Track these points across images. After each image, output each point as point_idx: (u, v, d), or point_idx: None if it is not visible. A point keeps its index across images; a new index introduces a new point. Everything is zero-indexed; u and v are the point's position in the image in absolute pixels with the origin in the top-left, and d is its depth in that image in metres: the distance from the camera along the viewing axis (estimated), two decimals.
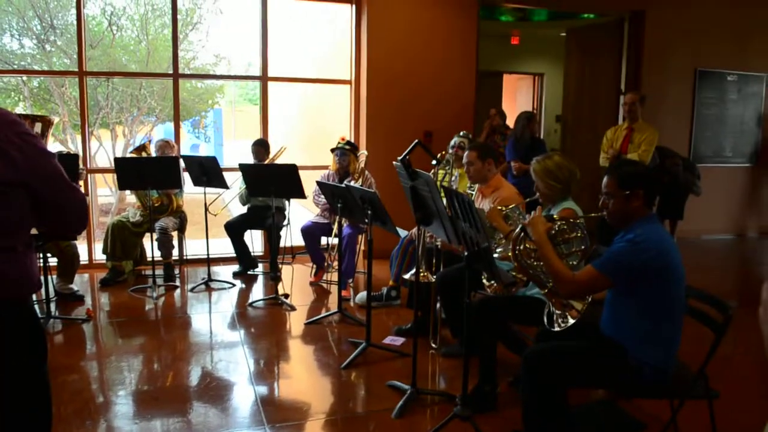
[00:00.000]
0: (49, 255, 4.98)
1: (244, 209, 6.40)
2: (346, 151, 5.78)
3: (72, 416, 3.29)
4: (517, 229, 2.77)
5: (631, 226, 2.56)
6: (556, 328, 2.67)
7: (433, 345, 4.22)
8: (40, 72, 11.38)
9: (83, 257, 5.84)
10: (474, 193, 4.25)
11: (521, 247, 2.77)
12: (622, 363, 2.55)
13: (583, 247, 2.75)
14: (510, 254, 2.83)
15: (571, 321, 2.64)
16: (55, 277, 5.22)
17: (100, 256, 6.24)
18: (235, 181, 6.05)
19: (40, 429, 1.80)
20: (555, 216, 2.80)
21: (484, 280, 3.47)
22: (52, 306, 4.92)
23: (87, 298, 5.44)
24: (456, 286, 3.74)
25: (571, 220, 2.76)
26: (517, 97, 11.62)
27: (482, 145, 4.24)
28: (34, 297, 4.72)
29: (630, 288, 2.52)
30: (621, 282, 2.50)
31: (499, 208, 3.50)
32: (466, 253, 2.94)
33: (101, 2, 11.08)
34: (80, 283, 5.72)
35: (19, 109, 10.99)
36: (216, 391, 3.65)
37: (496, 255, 3.35)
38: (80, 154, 6.61)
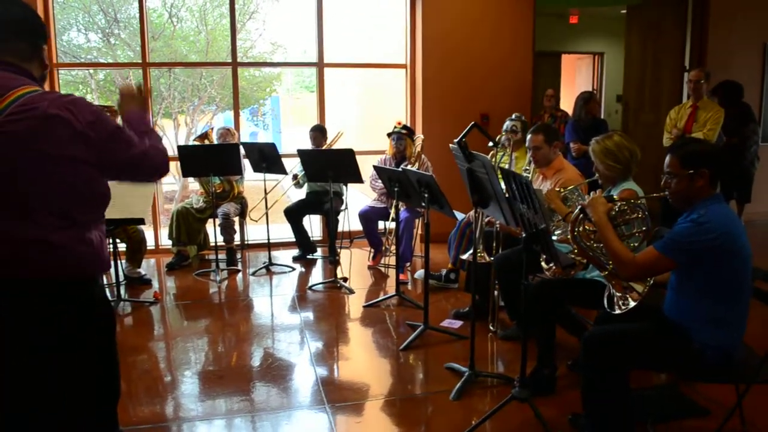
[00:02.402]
0: (118, 240, 5.19)
1: (302, 194, 6.50)
2: (402, 135, 5.79)
3: (142, 394, 3.44)
4: (576, 210, 2.73)
5: (694, 207, 2.48)
6: (617, 311, 2.63)
7: (492, 328, 4.22)
8: (105, 65, 11.77)
9: (150, 243, 6.06)
10: (531, 175, 4.20)
11: (580, 229, 2.73)
12: (685, 346, 2.50)
13: (644, 228, 2.68)
14: (569, 236, 2.80)
15: (632, 303, 2.60)
16: (124, 261, 5.44)
17: (165, 241, 6.46)
18: (294, 167, 6.14)
19: (107, 403, 1.90)
20: (615, 196, 2.75)
21: (543, 263, 3.44)
22: (122, 289, 5.13)
23: (154, 281, 5.66)
24: (514, 269, 3.72)
25: (632, 201, 2.71)
26: (576, 78, 11.36)
27: (548, 129, 4.15)
28: (105, 280, 4.93)
29: (694, 269, 2.46)
30: (684, 263, 2.44)
31: (558, 189, 3.45)
32: (523, 235, 2.93)
33: None
34: (147, 267, 5.94)
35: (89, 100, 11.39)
36: (277, 371, 3.75)
37: (554, 237, 3.31)
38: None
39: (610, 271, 2.66)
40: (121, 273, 5.14)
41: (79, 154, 1.63)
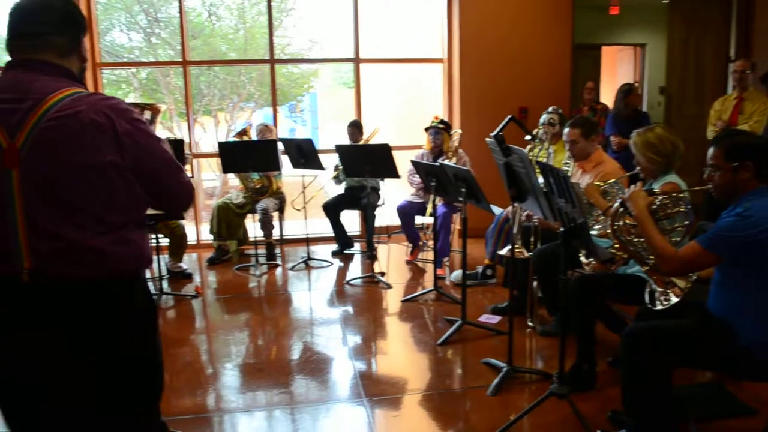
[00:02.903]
0: (160, 236, 5.31)
1: (340, 190, 6.54)
2: (439, 130, 5.78)
3: (184, 386, 3.51)
4: (616, 204, 2.69)
5: (739, 200, 2.42)
6: (658, 307, 2.59)
7: (530, 323, 4.19)
8: (147, 63, 12.02)
9: (191, 237, 6.18)
10: (570, 169, 4.15)
11: (620, 223, 2.69)
12: (730, 343, 2.44)
13: (686, 222, 2.63)
14: (609, 231, 2.76)
15: (674, 299, 2.55)
16: (166, 256, 5.56)
17: (206, 236, 6.57)
18: (331, 162, 6.18)
19: (150, 395, 1.94)
20: (656, 190, 2.70)
21: (582, 258, 3.40)
22: (164, 283, 5.24)
23: (195, 276, 5.77)
24: (553, 264, 3.68)
25: (674, 195, 2.65)
26: (617, 70, 11.15)
27: (585, 122, 4.09)
28: (148, 274, 5.04)
29: (738, 264, 2.40)
30: (728, 258, 2.39)
31: (597, 183, 3.40)
32: (562, 230, 2.90)
33: None
34: (189, 261, 6.06)
35: (130, 99, 11.65)
36: (316, 364, 3.79)
37: (594, 232, 3.27)
38: (186, 139, 6.95)
39: (651, 267, 2.61)
40: (163, 267, 5.24)
41: (116, 159, 1.65)
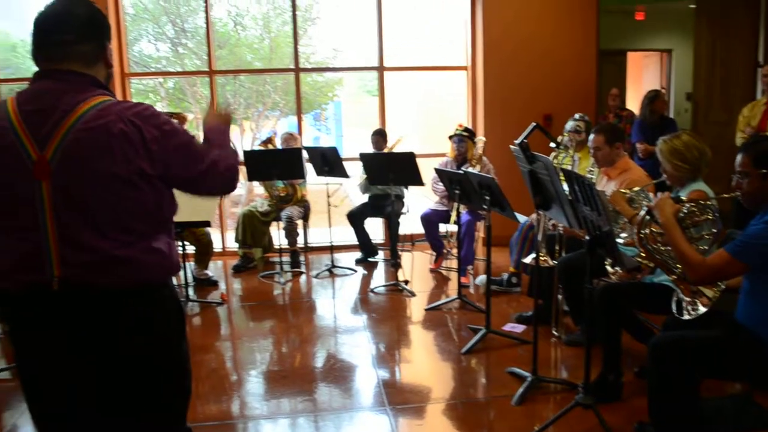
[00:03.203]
0: (186, 243, 5.36)
1: (364, 198, 6.56)
2: (463, 138, 5.77)
3: (209, 392, 3.54)
4: (642, 212, 2.66)
5: None
6: (686, 317, 2.55)
7: (555, 333, 4.15)
8: (174, 73, 12.20)
9: (217, 245, 6.24)
10: (596, 176, 4.11)
11: (647, 231, 2.66)
12: (759, 353, 2.40)
13: (714, 230, 2.59)
14: (635, 239, 2.73)
15: (702, 309, 2.51)
16: (192, 263, 5.62)
17: (232, 244, 6.63)
18: (356, 170, 6.20)
19: (180, 402, 1.95)
20: (683, 198, 2.67)
21: (608, 267, 3.36)
22: (190, 290, 5.29)
23: (221, 283, 5.81)
24: (578, 273, 3.64)
25: (702, 202, 2.62)
26: (643, 76, 11.04)
27: (610, 128, 4.06)
28: (174, 281, 5.09)
29: None
30: (757, 267, 2.35)
31: (623, 191, 3.37)
32: (587, 238, 2.87)
33: (227, 4, 11.67)
34: (214, 269, 6.12)
35: (157, 108, 11.82)
36: (340, 372, 3.79)
37: (620, 240, 3.24)
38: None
39: (678, 275, 2.58)
40: (189, 275, 5.30)
41: (144, 169, 1.65)
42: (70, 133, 1.59)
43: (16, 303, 1.69)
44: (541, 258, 3.85)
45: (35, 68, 1.72)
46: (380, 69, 6.98)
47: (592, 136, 4.00)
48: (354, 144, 13.86)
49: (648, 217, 2.64)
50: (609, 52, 8.93)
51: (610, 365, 3.24)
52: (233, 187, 1.97)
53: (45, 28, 1.70)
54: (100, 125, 1.60)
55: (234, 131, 12.93)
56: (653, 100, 6.10)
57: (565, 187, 3.05)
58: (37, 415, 1.78)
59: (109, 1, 6.34)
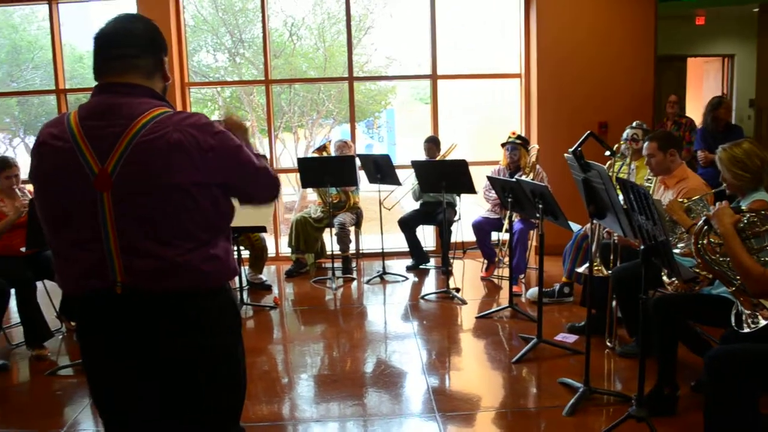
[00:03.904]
0: (242, 248, 5.49)
1: (416, 205, 6.58)
2: (516, 146, 5.73)
3: (261, 394, 3.61)
4: (701, 222, 2.61)
5: None
6: (746, 330, 2.48)
7: (609, 344, 4.07)
8: (231, 82, 12.48)
9: (270, 250, 6.36)
10: (652, 185, 4.03)
11: (705, 241, 2.60)
12: None
13: None
14: (693, 249, 2.67)
15: (763, 322, 2.44)
16: (246, 268, 5.75)
17: (285, 249, 6.75)
18: (408, 177, 6.24)
19: (234, 404, 2.01)
20: (744, 207, 2.60)
21: (664, 277, 3.29)
22: (245, 294, 5.41)
23: (274, 287, 5.92)
24: (633, 283, 3.58)
25: (763, 212, 2.54)
26: (703, 82, 10.75)
27: (664, 135, 3.98)
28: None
29: None
30: None
31: (681, 200, 3.30)
32: (642, 248, 2.82)
33: (283, 15, 11.89)
34: (268, 273, 6.23)
35: (215, 117, 12.12)
36: (390, 378, 3.81)
37: (677, 250, 3.17)
38: (267, 156, 7.17)
39: (738, 287, 2.51)
40: (244, 279, 5.41)
41: (202, 178, 1.70)
42: (130, 145, 1.65)
43: (83, 305, 1.78)
44: (595, 267, 3.79)
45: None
46: (433, 77, 7.00)
47: (645, 144, 3.93)
48: (406, 152, 13.91)
49: (706, 227, 2.58)
50: (668, 58, 8.74)
51: (665, 378, 3.17)
52: (277, 194, 2.04)
53: (105, 43, 1.77)
54: (158, 137, 1.65)
55: (288, 139, 13.16)
56: (716, 107, 5.93)
57: (621, 196, 3.01)
58: (101, 412, 1.87)
59: (171, 14, 6.56)
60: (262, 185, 1.92)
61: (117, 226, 1.67)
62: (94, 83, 1.81)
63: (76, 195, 1.67)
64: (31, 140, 12.88)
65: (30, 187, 4.59)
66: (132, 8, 6.85)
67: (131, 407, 1.82)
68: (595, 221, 3.43)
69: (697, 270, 2.96)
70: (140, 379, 1.78)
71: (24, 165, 5.00)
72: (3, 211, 4.35)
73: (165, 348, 1.75)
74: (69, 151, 1.67)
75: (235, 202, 1.92)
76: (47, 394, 3.75)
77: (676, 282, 3.24)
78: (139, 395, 1.80)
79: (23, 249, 4.26)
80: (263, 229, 4.86)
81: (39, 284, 4.47)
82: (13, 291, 4.20)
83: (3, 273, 4.18)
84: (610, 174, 3.86)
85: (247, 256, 5.79)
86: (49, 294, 4.82)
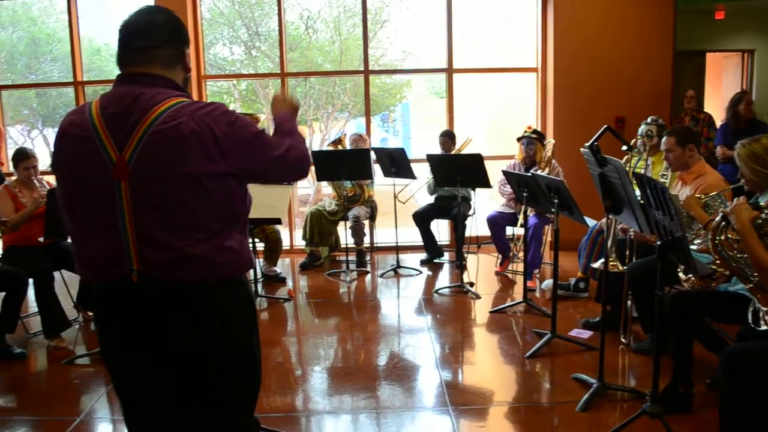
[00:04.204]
0: (256, 240, 5.52)
1: (431, 199, 6.57)
2: (532, 140, 5.71)
3: (274, 386, 3.63)
4: (718, 218, 2.58)
5: None
6: (763, 327, 2.46)
7: (623, 340, 4.05)
8: (247, 75, 12.54)
9: (285, 243, 6.38)
10: (668, 180, 3.99)
11: (722, 238, 2.58)
12: None
13: None
14: (710, 245, 2.64)
15: None
16: (261, 260, 5.77)
17: (299, 242, 6.77)
18: (422, 171, 6.23)
19: (249, 395, 2.02)
20: (762, 204, 2.57)
21: (680, 273, 3.26)
22: (259, 286, 5.44)
23: (288, 280, 5.95)
24: (649, 279, 3.55)
25: None
26: (723, 78, 10.62)
27: (682, 130, 3.94)
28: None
29: None
30: None
31: (698, 196, 3.26)
32: (659, 243, 2.80)
33: (299, 8, 11.90)
34: (282, 266, 6.26)
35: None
36: (403, 371, 3.82)
37: (694, 247, 3.14)
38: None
39: (755, 284, 2.49)
40: (258, 271, 5.44)
41: (218, 168, 1.71)
42: (146, 134, 1.66)
43: (100, 293, 1.80)
44: (610, 263, 3.77)
45: (117, 71, 1.82)
46: (449, 71, 6.98)
47: (664, 138, 3.89)
48: (421, 145, 13.88)
49: (724, 223, 2.56)
50: (686, 53, 8.65)
51: (680, 375, 3.15)
52: (305, 174, 2.01)
53: (128, 34, 1.80)
54: (173, 126, 1.67)
55: (304, 132, 13.18)
56: (737, 103, 5.86)
57: (637, 191, 2.99)
58: (120, 400, 1.90)
59: (188, 7, 6.58)
60: (286, 169, 1.90)
61: (134, 215, 1.68)
62: (111, 75, 1.84)
63: (95, 183, 1.69)
64: (49, 132, 13.02)
65: (48, 178, 4.65)
66: (149, 1, 6.89)
67: (144, 398, 1.84)
68: (611, 216, 3.40)
69: (714, 266, 2.94)
70: (152, 372, 1.79)
71: (42, 156, 5.07)
72: (21, 201, 4.40)
73: (177, 340, 1.76)
74: (89, 140, 1.69)
75: (252, 192, 1.92)
76: (64, 383, 3.80)
77: (693, 278, 3.22)
78: (152, 387, 1.81)
79: (41, 239, 4.32)
80: (279, 221, 4.88)
81: (56, 274, 4.52)
82: (31, 281, 4.25)
83: (21, 263, 4.24)
84: (627, 169, 3.82)
85: (262, 248, 5.82)
86: (66, 284, 4.87)
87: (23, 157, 4.47)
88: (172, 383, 1.80)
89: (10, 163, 4.66)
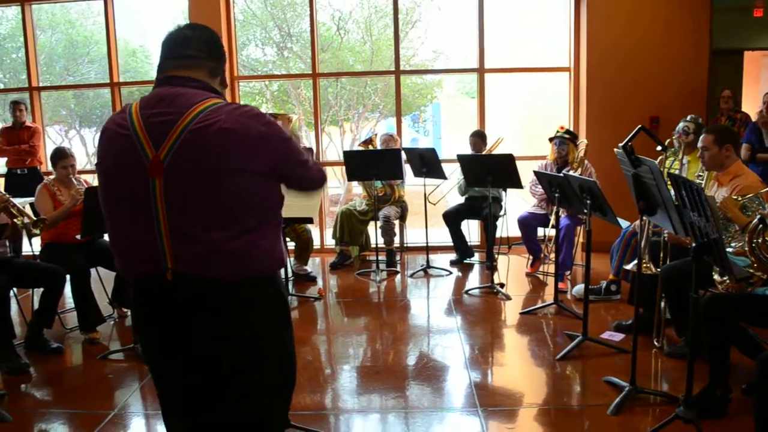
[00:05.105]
0: (287, 239, 5.57)
1: (461, 199, 6.55)
2: (565, 140, 5.65)
3: (304, 384, 3.65)
4: (755, 220, 2.53)
5: None
6: None
7: (656, 343, 3.99)
8: (279, 76, 12.64)
9: (316, 242, 6.42)
10: (704, 181, 3.92)
11: (759, 240, 2.53)
12: None
13: None
14: (746, 248, 2.59)
15: None
16: (292, 259, 5.82)
17: (330, 241, 6.81)
18: (453, 171, 6.22)
19: (283, 392, 2.04)
20: None
21: (715, 276, 3.20)
22: (290, 285, 5.48)
23: (318, 279, 5.98)
24: (683, 282, 3.49)
25: None
26: (761, 76, 10.38)
27: (721, 129, 3.85)
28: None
29: None
30: None
31: (735, 197, 3.20)
32: (693, 245, 2.75)
33: (330, 9, 11.96)
34: (313, 265, 6.29)
35: (263, 110, 12.28)
36: (432, 372, 3.82)
37: (730, 249, 3.08)
38: (314, 149, 7.24)
39: None
40: (289, 270, 5.49)
41: (252, 166, 1.75)
42: (183, 132, 1.71)
43: (137, 291, 1.85)
44: (644, 265, 3.72)
45: (152, 72, 1.88)
46: (480, 71, 6.95)
47: (701, 136, 3.81)
48: (452, 146, 13.85)
49: (761, 226, 2.50)
50: (723, 52, 8.46)
51: (716, 379, 3.09)
52: (322, 185, 2.11)
53: (173, 44, 1.89)
54: (209, 124, 1.71)
55: (334, 132, 13.25)
56: None
57: (672, 192, 2.94)
58: (160, 398, 1.96)
59: (221, 9, 6.68)
60: (309, 177, 1.99)
61: (167, 211, 1.72)
62: (146, 76, 1.91)
63: (132, 180, 1.74)
64: (85, 132, 13.30)
65: (85, 176, 4.76)
66: (183, 4, 7.00)
67: (181, 398, 1.88)
68: (644, 218, 3.36)
69: (751, 269, 2.88)
70: (187, 373, 1.83)
71: (80, 156, 5.17)
72: (59, 199, 4.50)
73: (213, 335, 1.78)
74: (128, 138, 1.75)
75: (285, 192, 1.96)
76: (99, 377, 3.88)
77: (728, 281, 3.16)
78: (188, 388, 1.85)
79: (78, 236, 4.41)
80: (310, 221, 4.92)
81: (92, 271, 4.62)
82: (68, 277, 4.35)
83: (59, 260, 4.34)
84: (662, 170, 3.77)
85: (293, 247, 5.86)
86: (102, 281, 4.98)
87: (62, 156, 4.58)
88: (206, 382, 1.83)
89: (49, 163, 4.77)
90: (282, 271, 5.11)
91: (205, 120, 1.72)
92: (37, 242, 4.73)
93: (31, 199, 4.74)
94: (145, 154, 1.72)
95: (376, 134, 6.57)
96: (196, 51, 1.87)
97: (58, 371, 4.06)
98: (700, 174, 3.98)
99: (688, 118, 4.60)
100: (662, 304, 3.94)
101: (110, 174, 1.80)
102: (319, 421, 3.23)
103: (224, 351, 1.80)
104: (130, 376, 3.85)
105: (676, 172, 4.34)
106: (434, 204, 6.22)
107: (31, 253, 4.78)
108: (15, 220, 4.10)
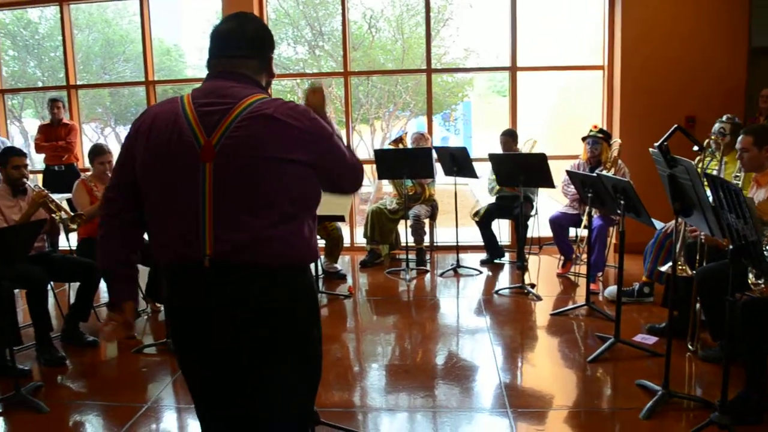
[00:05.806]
0: (318, 237, 5.59)
1: (492, 199, 6.51)
2: (598, 140, 5.57)
3: (333, 381, 3.67)
4: None
5: None
6: None
7: (691, 347, 3.92)
8: (311, 74, 12.66)
9: (346, 240, 6.44)
10: (740, 182, 3.83)
11: None
12: None
13: None
14: None
15: None
16: (322, 256, 5.85)
17: (360, 240, 6.83)
18: (484, 172, 6.18)
19: (309, 386, 2.05)
20: None
21: (752, 278, 3.13)
22: (320, 282, 5.51)
23: (348, 277, 6.00)
24: (719, 284, 3.42)
25: None
26: None
27: (761, 129, 3.76)
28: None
29: None
30: None
31: None
32: (731, 248, 2.69)
33: (362, 7, 12.00)
34: (343, 263, 6.32)
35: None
36: (461, 371, 3.80)
37: (767, 252, 3.01)
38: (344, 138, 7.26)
39: None
40: (320, 267, 5.52)
41: (299, 156, 1.80)
42: (234, 122, 1.78)
43: (172, 278, 1.87)
44: (679, 267, 3.65)
45: (185, 70, 1.92)
46: (512, 69, 6.89)
47: (740, 137, 3.73)
48: (482, 145, 13.78)
49: None
50: (763, 50, 8.27)
51: (752, 385, 3.02)
52: (360, 185, 2.14)
53: (220, 41, 1.95)
54: (260, 115, 1.78)
55: (365, 130, 13.28)
56: None
57: (709, 193, 2.88)
58: (191, 392, 1.97)
59: (254, 8, 6.73)
60: (349, 173, 2.03)
61: (214, 195, 1.76)
62: (180, 75, 1.96)
63: (182, 165, 1.78)
64: (120, 130, 13.52)
65: None
66: (217, 4, 7.08)
67: (211, 379, 1.91)
68: (680, 219, 3.30)
69: None
70: (219, 356, 1.85)
71: (116, 153, 5.28)
72: (96, 195, 4.59)
73: (244, 326, 1.81)
74: (180, 124, 1.80)
75: None
76: (133, 371, 3.95)
77: (762, 285, 3.08)
78: (217, 370, 1.87)
79: None
80: (342, 219, 4.93)
81: None
82: None
83: (95, 254, 4.41)
84: (699, 170, 3.69)
85: (323, 245, 5.89)
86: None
87: (99, 152, 4.68)
88: (236, 366, 1.86)
89: (85, 159, 4.87)
90: (312, 267, 5.17)
91: (257, 110, 1.79)
92: (74, 237, 4.83)
93: (68, 196, 4.84)
94: (197, 139, 1.77)
95: (406, 133, 6.56)
96: (242, 50, 1.93)
97: (93, 364, 4.14)
98: (737, 174, 3.90)
99: (724, 118, 4.50)
100: (697, 307, 3.87)
101: (161, 159, 1.83)
102: (347, 418, 3.24)
103: (254, 342, 1.83)
104: (163, 370, 3.91)
105: (714, 172, 4.25)
106: (477, 220, 6.21)
107: (68, 248, 4.89)
108: (53, 215, 4.20)
